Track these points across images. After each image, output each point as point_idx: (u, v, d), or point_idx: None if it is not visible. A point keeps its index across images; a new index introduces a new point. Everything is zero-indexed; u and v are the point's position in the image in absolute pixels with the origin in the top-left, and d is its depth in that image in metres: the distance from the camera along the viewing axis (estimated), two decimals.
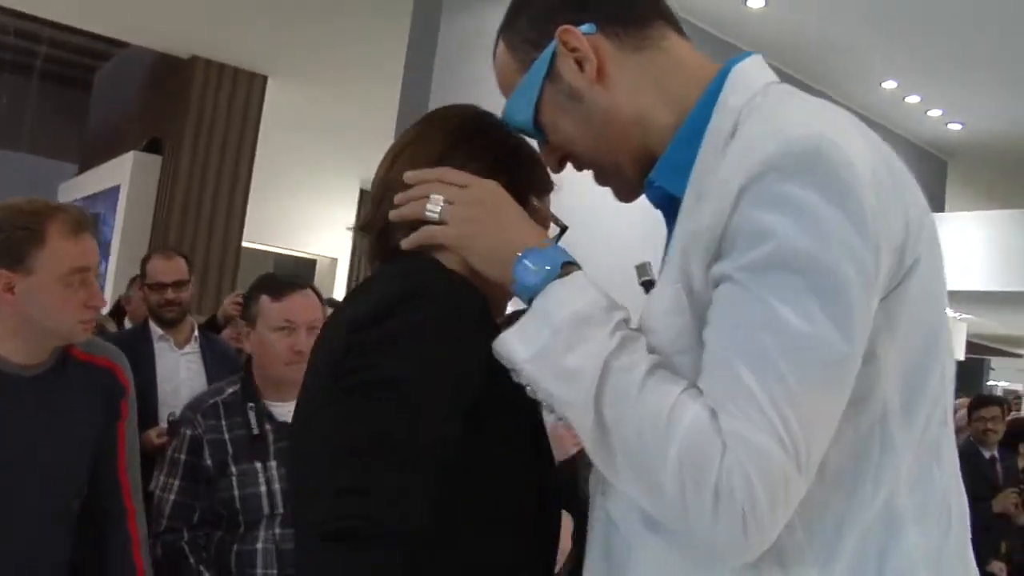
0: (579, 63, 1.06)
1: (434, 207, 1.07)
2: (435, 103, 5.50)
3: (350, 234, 11.65)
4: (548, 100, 1.08)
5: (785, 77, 6.54)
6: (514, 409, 1.07)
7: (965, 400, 6.10)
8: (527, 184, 1.18)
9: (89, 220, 1.86)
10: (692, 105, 1.03)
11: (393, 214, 1.11)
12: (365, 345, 1.00)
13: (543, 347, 0.94)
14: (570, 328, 0.94)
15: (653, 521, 0.95)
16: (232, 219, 8.71)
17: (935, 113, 8.23)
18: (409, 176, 1.11)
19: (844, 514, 0.93)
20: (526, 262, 1.00)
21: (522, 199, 1.14)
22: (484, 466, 1.05)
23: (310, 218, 11.42)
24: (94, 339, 1.95)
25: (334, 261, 11.99)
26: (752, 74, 1.03)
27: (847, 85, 7.43)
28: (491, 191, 1.08)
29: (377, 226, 1.17)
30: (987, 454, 5.30)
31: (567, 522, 1.25)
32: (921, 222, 0.94)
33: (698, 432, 0.85)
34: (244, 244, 9.06)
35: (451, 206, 1.07)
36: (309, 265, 12.16)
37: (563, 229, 1.20)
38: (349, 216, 11.51)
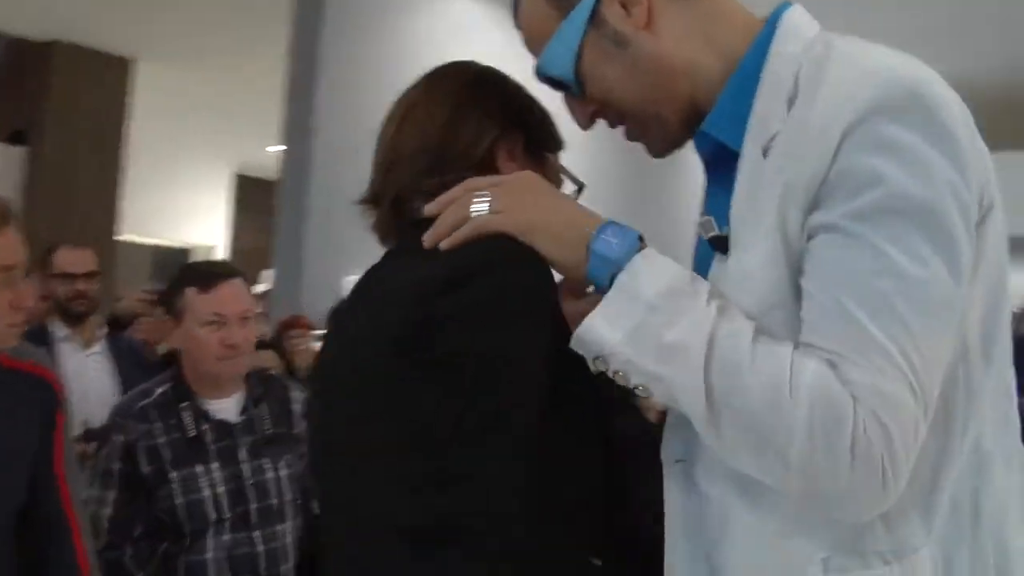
0: (625, 7, 1.01)
1: (481, 204, 0.99)
2: (324, 82, 5.41)
3: (225, 221, 11.34)
4: (591, 47, 1.02)
5: None
6: (580, 393, 1.00)
7: None
8: (542, 140, 1.14)
9: (9, 212, 1.70)
10: (741, 55, 1.00)
11: (437, 218, 1.02)
12: (446, 317, 0.91)
13: (638, 325, 0.89)
14: (666, 302, 0.89)
15: (753, 494, 0.93)
16: (105, 211, 8.29)
17: None
18: (431, 208, 1.02)
19: (938, 459, 0.92)
20: (606, 236, 0.94)
21: (538, 156, 1.11)
22: (558, 450, 0.97)
23: (186, 207, 11.05)
24: (21, 344, 1.79)
25: (210, 249, 11.65)
26: (802, 23, 1.01)
27: None
28: (531, 178, 1.03)
29: (390, 195, 1.09)
30: None
31: None
32: (990, 165, 0.95)
33: (825, 388, 0.83)
34: (122, 237, 8.65)
35: (501, 198, 0.99)
36: (184, 255, 11.78)
37: (580, 187, 1.15)
38: (222, 202, 11.21)
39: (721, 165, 1.01)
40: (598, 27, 1.02)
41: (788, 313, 0.89)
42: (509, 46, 1.26)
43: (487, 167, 1.09)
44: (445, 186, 1.03)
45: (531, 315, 0.94)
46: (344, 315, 1.09)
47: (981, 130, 0.94)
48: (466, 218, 0.98)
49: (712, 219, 1.00)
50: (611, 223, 0.96)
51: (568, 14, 1.02)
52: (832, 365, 0.84)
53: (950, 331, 0.87)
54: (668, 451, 1.03)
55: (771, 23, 1.02)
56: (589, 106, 1.07)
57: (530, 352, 0.93)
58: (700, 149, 1.05)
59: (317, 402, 1.09)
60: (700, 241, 1.06)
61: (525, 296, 0.93)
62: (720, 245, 0.97)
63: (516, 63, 1.24)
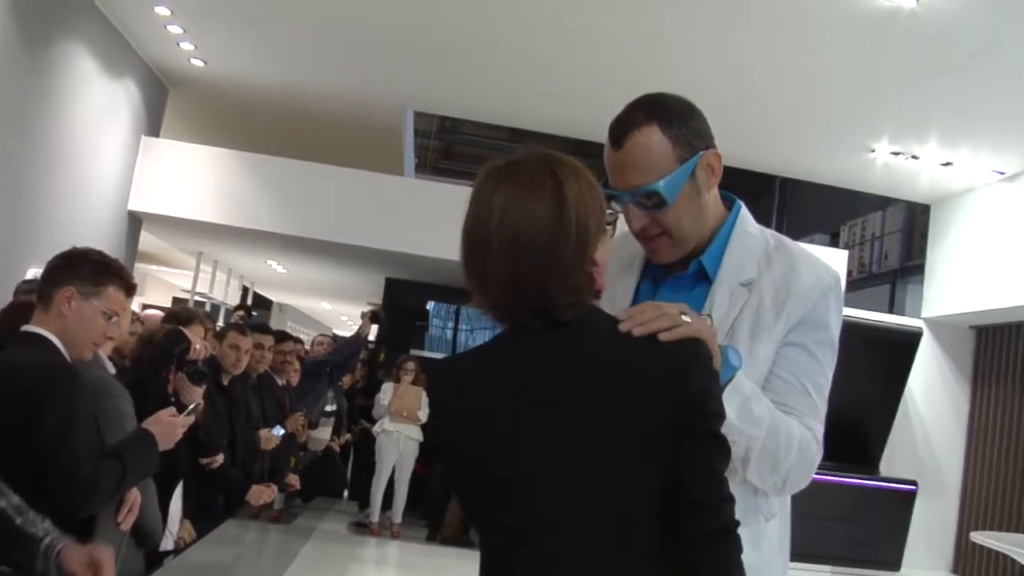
0: (708, 172, 1.70)
1: (685, 318, 1.40)
2: None
3: None
4: (686, 187, 1.68)
5: None
6: None
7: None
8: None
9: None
10: (721, 222, 1.78)
11: (652, 327, 1.37)
12: (704, 395, 1.35)
13: (741, 408, 1.57)
14: (753, 393, 1.60)
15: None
16: None
17: (187, 46, 8.52)
18: (639, 316, 1.39)
19: None
20: (732, 352, 1.57)
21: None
22: None
23: None
24: None
25: None
26: (749, 215, 1.81)
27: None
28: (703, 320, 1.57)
29: (544, 306, 1.36)
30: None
31: None
32: None
33: (803, 436, 1.65)
34: None
35: (693, 317, 1.41)
36: None
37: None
38: None
39: (689, 280, 1.76)
40: (693, 179, 1.69)
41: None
42: None
43: (594, 261, 1.41)
44: (578, 304, 1.38)
45: None
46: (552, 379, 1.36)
47: None
48: (676, 324, 1.38)
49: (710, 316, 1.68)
50: (730, 346, 1.59)
51: (684, 163, 1.66)
52: (800, 418, 1.66)
53: None
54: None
55: (736, 209, 1.80)
56: (654, 219, 1.68)
57: None
58: (691, 268, 1.76)
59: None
60: (646, 286, 1.81)
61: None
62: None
63: None
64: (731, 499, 1.35)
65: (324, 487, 7.92)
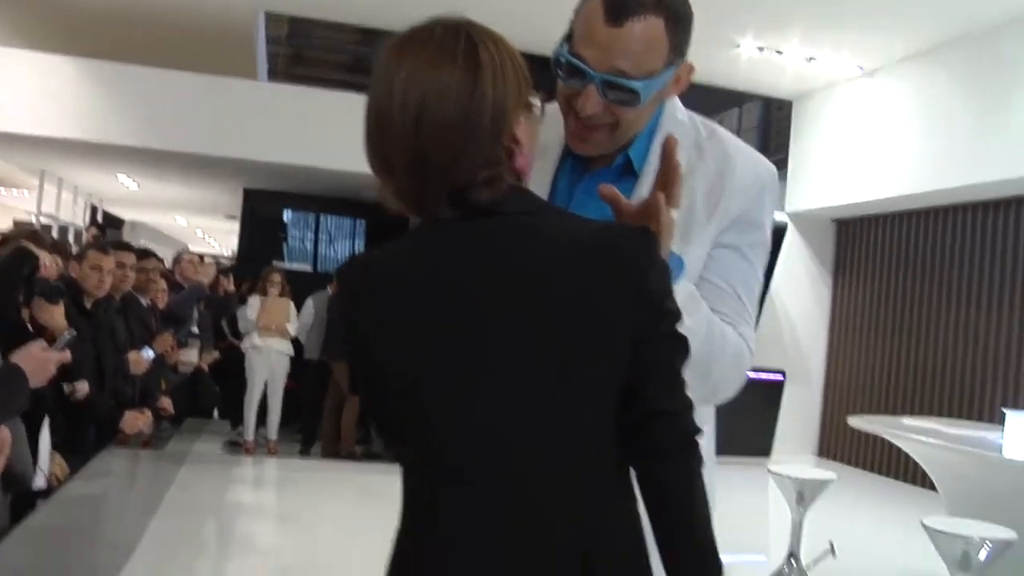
0: (678, 79, 1.52)
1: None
2: None
3: None
4: (655, 94, 1.49)
5: None
6: None
7: None
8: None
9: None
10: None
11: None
12: (663, 292, 1.23)
13: (682, 307, 1.35)
14: (690, 302, 1.41)
15: None
16: None
17: None
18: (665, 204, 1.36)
19: None
20: (675, 259, 1.41)
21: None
22: None
23: None
24: None
25: None
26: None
27: None
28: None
29: (458, 185, 1.18)
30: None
31: None
32: None
33: (738, 344, 1.52)
34: None
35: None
36: None
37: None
38: None
39: (615, 172, 1.56)
40: (666, 85, 1.50)
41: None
42: None
43: (514, 140, 1.24)
44: (495, 180, 1.20)
45: None
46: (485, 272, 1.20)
47: None
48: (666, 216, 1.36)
49: None
50: (672, 253, 1.40)
51: (667, 68, 1.47)
52: (733, 324, 1.52)
53: None
54: None
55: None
56: (610, 111, 1.46)
57: None
58: (618, 162, 1.57)
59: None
60: (562, 180, 1.60)
61: None
62: None
63: None
64: (692, 406, 1.24)
65: (194, 408, 7.63)
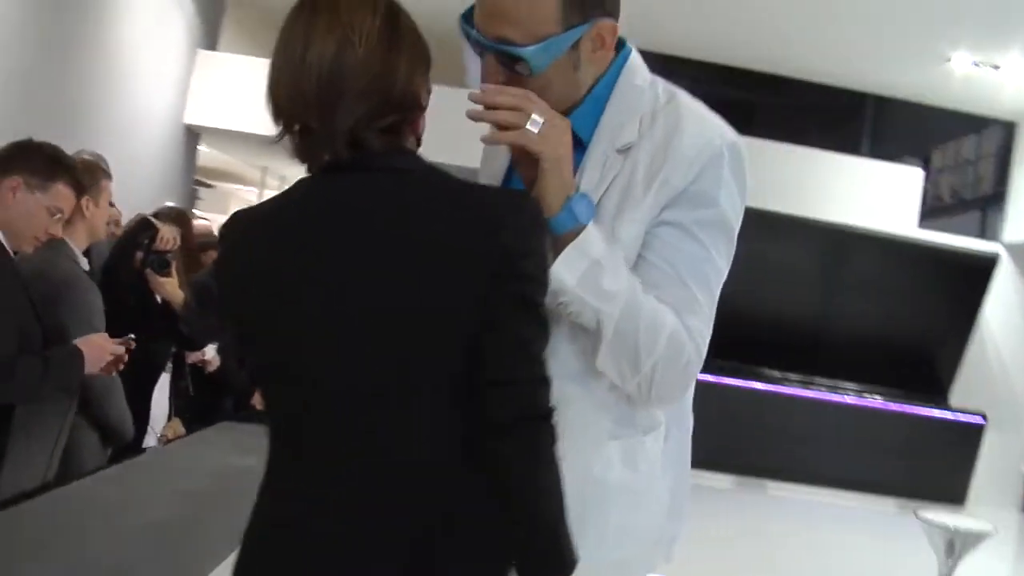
0: (594, 47, 1.35)
1: (535, 124, 1.29)
2: None
3: None
4: (562, 59, 1.34)
5: None
6: None
7: None
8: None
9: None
10: (600, 76, 1.41)
11: (489, 116, 1.29)
12: (517, 253, 1.15)
13: (584, 274, 1.29)
14: (608, 260, 1.30)
15: (591, 388, 1.39)
16: None
17: None
18: (496, 95, 1.29)
19: None
20: (583, 201, 1.32)
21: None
22: None
23: None
24: None
25: None
26: (641, 65, 1.45)
27: None
28: (568, 128, 1.34)
29: (343, 128, 1.17)
30: None
31: None
32: None
33: (675, 329, 1.33)
34: None
35: (550, 130, 1.29)
36: None
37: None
38: None
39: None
40: (575, 49, 1.34)
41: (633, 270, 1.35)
42: None
43: (416, 101, 1.23)
44: (395, 127, 1.20)
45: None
46: (346, 225, 1.18)
47: None
48: (520, 126, 1.28)
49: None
50: (584, 194, 1.33)
51: (567, 31, 1.31)
52: (676, 313, 1.33)
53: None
54: None
55: (623, 56, 1.43)
56: (513, 80, 1.33)
57: None
58: None
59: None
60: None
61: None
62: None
63: None
64: (546, 381, 1.17)
65: None
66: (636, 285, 1.32)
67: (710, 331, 1.38)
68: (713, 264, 1.37)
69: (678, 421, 1.54)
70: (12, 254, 2.54)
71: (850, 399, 8.24)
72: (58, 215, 2.57)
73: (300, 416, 1.21)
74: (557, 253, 1.30)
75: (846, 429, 8.07)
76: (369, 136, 1.19)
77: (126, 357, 2.67)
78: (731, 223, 1.38)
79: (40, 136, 2.66)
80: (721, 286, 1.40)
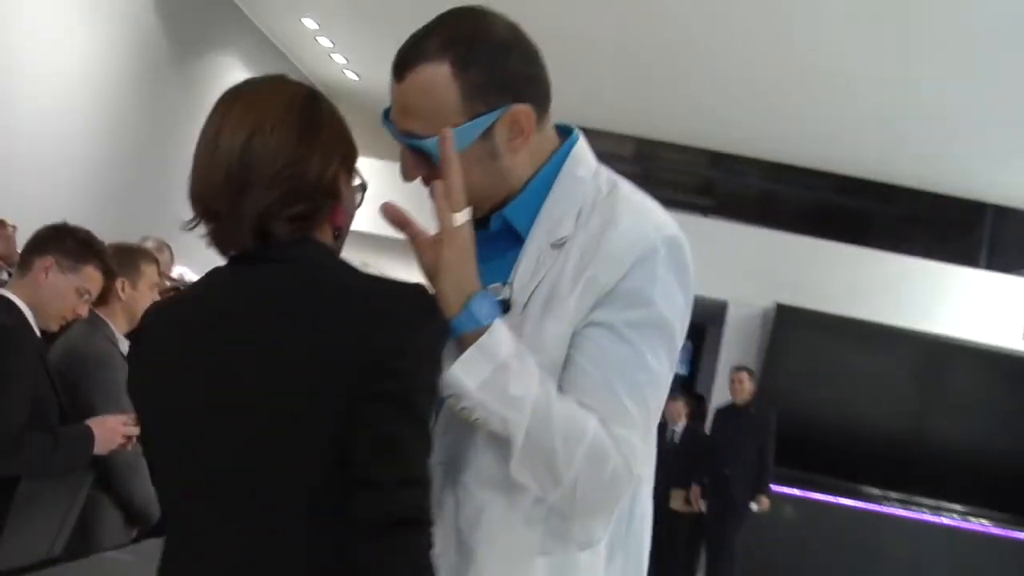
0: (510, 133, 1.28)
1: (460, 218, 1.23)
2: None
3: None
4: (473, 149, 1.27)
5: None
6: None
7: None
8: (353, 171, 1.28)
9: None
10: (545, 161, 1.35)
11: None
12: (389, 352, 1.10)
13: (487, 379, 1.19)
14: (514, 363, 1.20)
15: (512, 497, 1.27)
16: None
17: (339, 58, 9.03)
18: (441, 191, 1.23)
19: None
20: (485, 301, 1.23)
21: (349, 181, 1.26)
22: None
23: None
24: None
25: None
26: (587, 154, 1.38)
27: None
28: (463, 228, 1.24)
29: (250, 216, 1.16)
30: None
31: None
32: None
33: (596, 439, 1.22)
34: None
35: (456, 236, 1.23)
36: None
37: (364, 186, 1.32)
38: None
39: (501, 240, 1.34)
40: (485, 138, 1.27)
41: (560, 375, 1.26)
42: None
43: (332, 192, 1.22)
44: (307, 216, 1.19)
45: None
46: (246, 317, 1.16)
47: None
48: (446, 222, 1.22)
49: (501, 285, 1.31)
50: (486, 293, 1.24)
51: (473, 119, 1.25)
52: (603, 423, 1.22)
53: (663, 403, 1.31)
54: (435, 455, 1.23)
55: (568, 145, 1.37)
56: (432, 173, 1.27)
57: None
58: (493, 225, 1.35)
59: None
60: None
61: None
62: (505, 306, 1.29)
63: None
64: (418, 483, 1.11)
65: None
66: (551, 390, 1.22)
67: (646, 441, 1.29)
68: (646, 369, 1.25)
69: (623, 543, 1.38)
70: (38, 332, 2.62)
71: (953, 521, 7.77)
72: (86, 296, 2.67)
73: (178, 509, 1.21)
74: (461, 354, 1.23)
75: (951, 554, 7.59)
76: (276, 225, 1.17)
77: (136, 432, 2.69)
78: (670, 323, 1.27)
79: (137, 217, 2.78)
80: (664, 390, 1.29)
